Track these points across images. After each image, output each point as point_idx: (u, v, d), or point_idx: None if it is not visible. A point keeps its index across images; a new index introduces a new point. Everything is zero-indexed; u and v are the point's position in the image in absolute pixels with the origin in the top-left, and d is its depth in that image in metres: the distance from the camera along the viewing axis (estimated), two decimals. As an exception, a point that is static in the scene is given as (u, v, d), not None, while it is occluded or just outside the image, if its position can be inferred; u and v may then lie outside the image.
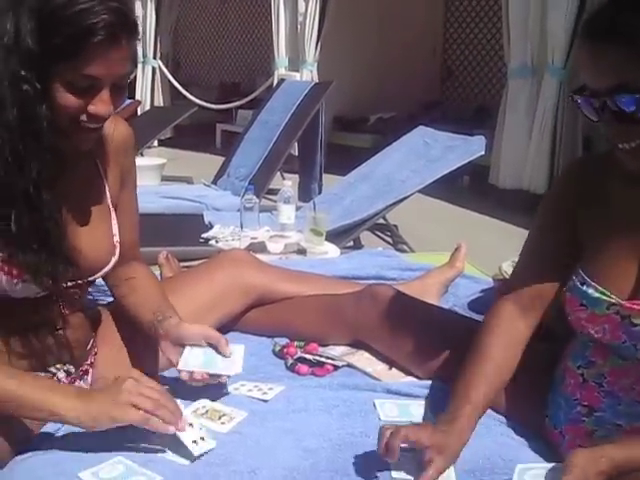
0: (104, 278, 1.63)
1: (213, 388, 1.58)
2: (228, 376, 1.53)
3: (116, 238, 1.55)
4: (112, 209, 1.56)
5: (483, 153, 3.72)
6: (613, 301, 1.30)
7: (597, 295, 1.32)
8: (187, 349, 1.52)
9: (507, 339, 1.47)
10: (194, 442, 1.33)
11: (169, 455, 1.34)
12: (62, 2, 1.22)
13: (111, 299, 1.75)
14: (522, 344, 1.47)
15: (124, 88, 1.36)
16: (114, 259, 1.54)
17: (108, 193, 1.55)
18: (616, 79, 1.19)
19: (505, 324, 1.48)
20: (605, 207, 1.38)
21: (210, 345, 1.55)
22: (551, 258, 1.48)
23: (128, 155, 1.62)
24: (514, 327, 1.48)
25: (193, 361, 1.50)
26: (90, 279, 1.51)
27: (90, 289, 1.63)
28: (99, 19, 1.22)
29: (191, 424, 1.36)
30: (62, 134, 1.31)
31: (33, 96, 1.25)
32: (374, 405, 1.56)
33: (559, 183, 1.57)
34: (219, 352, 1.54)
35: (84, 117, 1.30)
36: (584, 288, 1.34)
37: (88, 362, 1.58)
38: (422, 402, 1.57)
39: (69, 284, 1.45)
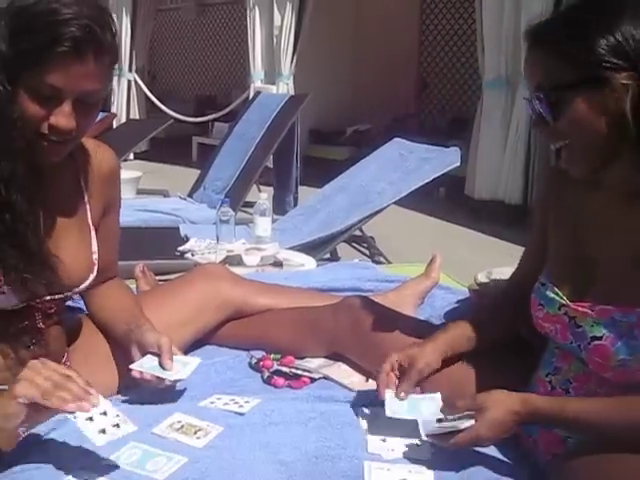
0: (80, 295, 1.65)
1: (186, 402, 1.59)
2: (172, 380, 1.55)
3: (95, 255, 1.57)
4: (92, 228, 1.58)
5: (458, 164, 3.74)
6: (563, 302, 1.36)
7: (552, 295, 1.39)
8: (147, 356, 1.56)
9: (495, 317, 1.63)
10: (102, 431, 1.24)
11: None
12: (40, 10, 1.26)
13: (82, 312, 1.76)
14: (506, 325, 1.63)
15: (94, 106, 1.37)
16: (92, 276, 1.55)
17: (89, 213, 1.57)
18: (538, 80, 1.28)
19: (497, 306, 1.66)
20: (562, 211, 1.45)
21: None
22: (542, 261, 1.53)
23: (114, 186, 1.67)
24: (504, 310, 1.63)
25: (146, 364, 1.55)
26: (68, 294, 1.52)
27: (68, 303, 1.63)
28: (67, 31, 1.25)
29: (105, 412, 1.27)
30: (28, 144, 1.32)
31: (3, 97, 1.27)
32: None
33: (540, 188, 1.66)
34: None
35: (45, 128, 1.32)
36: (543, 289, 1.41)
37: (61, 376, 1.57)
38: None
39: (47, 298, 1.45)
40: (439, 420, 1.36)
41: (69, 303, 1.67)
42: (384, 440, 1.46)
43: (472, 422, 1.29)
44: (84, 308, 1.75)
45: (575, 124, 1.25)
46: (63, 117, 1.31)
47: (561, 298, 1.37)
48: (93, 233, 1.58)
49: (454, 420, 1.32)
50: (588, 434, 1.24)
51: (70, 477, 1.29)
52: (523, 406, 1.28)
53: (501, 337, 1.61)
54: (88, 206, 1.58)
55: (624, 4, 1.24)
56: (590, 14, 1.24)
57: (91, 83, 1.31)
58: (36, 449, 1.38)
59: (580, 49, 1.21)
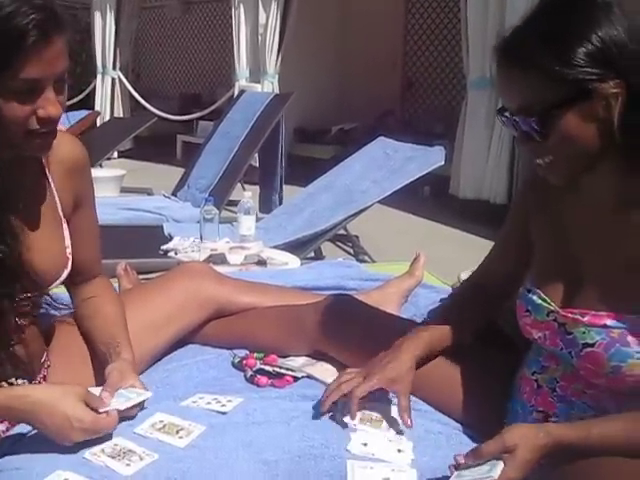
0: (69, 296, 1.64)
1: (168, 401, 1.58)
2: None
3: (68, 250, 1.53)
4: (64, 221, 1.54)
5: (443, 163, 3.76)
6: (552, 308, 1.34)
7: (539, 302, 1.37)
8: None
9: (464, 312, 1.61)
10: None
11: (127, 471, 1.31)
12: None
13: (63, 312, 1.73)
14: (476, 321, 1.62)
15: (65, 81, 1.31)
16: (66, 271, 1.52)
17: (59, 205, 1.53)
18: (521, 101, 1.23)
19: (466, 301, 1.65)
20: (547, 215, 1.43)
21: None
22: (513, 255, 1.56)
23: (83, 177, 1.60)
24: (473, 305, 1.62)
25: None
26: (42, 291, 1.49)
27: (44, 303, 1.60)
28: (28, 20, 1.18)
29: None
30: (17, 146, 1.29)
31: None
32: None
33: (518, 190, 1.68)
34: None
35: (34, 124, 1.27)
36: (529, 295, 1.39)
37: (41, 376, 1.55)
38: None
39: (22, 296, 1.42)
40: (455, 467, 1.25)
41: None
42: (367, 440, 1.45)
43: (502, 465, 1.18)
44: (57, 306, 1.73)
45: (566, 139, 1.21)
46: (50, 105, 1.26)
47: (549, 304, 1.35)
48: (65, 226, 1.54)
49: (482, 465, 1.22)
50: (615, 454, 1.17)
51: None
52: (549, 439, 1.20)
53: (473, 333, 1.60)
54: (57, 198, 1.52)
55: (595, 7, 1.20)
56: (562, 22, 1.20)
57: (62, 62, 1.26)
58: (17, 449, 1.36)
59: (559, 63, 1.17)
